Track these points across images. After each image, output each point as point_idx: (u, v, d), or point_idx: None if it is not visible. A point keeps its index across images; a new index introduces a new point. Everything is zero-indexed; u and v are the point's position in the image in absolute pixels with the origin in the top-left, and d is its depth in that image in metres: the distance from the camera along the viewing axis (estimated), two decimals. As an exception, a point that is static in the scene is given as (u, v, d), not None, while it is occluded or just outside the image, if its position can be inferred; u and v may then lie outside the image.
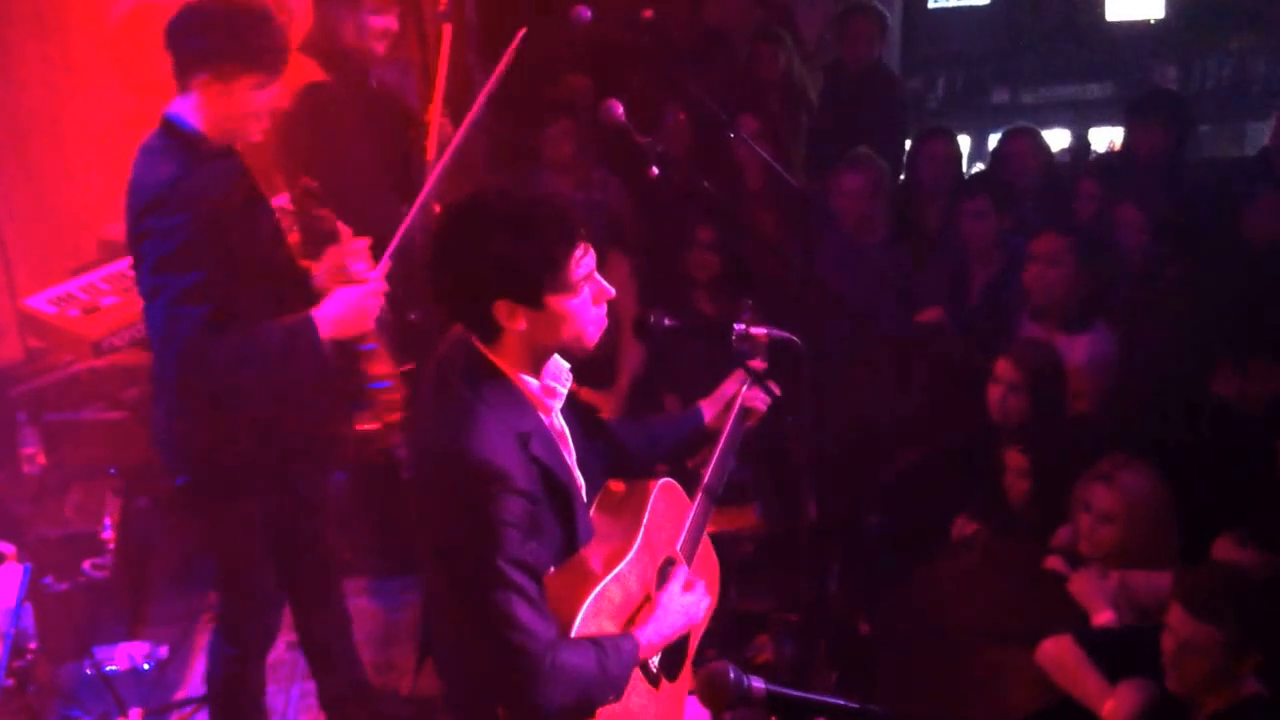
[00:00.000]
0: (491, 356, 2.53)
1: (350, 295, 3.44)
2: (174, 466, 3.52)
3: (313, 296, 3.47)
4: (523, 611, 2.39)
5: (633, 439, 2.99)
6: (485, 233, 2.43)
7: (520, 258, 2.42)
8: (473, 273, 2.45)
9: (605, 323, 2.59)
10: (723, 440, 3.01)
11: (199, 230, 3.23)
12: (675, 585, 2.69)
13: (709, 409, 3.08)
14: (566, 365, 2.63)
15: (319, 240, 3.64)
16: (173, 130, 3.36)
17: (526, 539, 2.43)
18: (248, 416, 3.42)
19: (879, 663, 4.08)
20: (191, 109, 3.35)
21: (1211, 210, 5.21)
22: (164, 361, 3.37)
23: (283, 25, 3.45)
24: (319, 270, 3.57)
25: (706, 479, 2.94)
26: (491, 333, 2.51)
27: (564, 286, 2.47)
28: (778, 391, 3.10)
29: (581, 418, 2.80)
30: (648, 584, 2.70)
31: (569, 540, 2.58)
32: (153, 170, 3.32)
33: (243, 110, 3.35)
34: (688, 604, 2.69)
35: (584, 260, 2.50)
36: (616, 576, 2.60)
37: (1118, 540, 3.62)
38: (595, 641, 2.48)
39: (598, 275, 2.54)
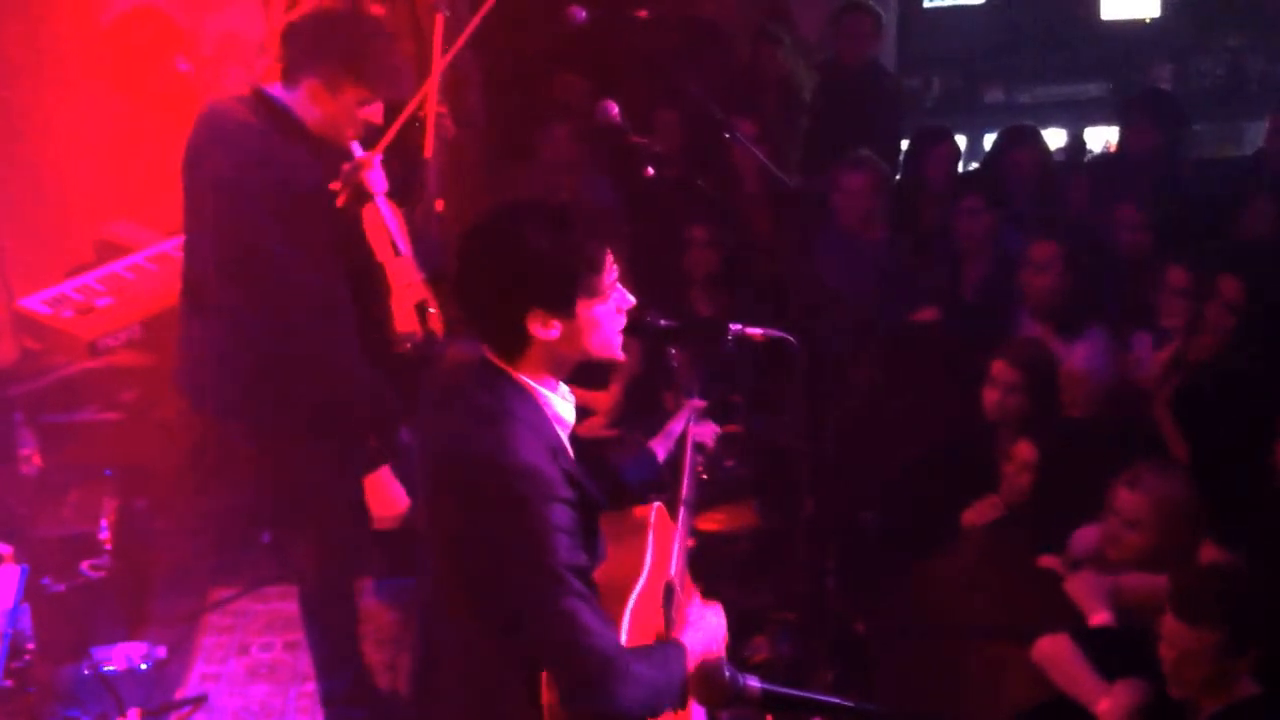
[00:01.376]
0: (513, 372, 2.44)
1: None
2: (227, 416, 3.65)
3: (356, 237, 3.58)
4: (589, 616, 2.32)
5: (630, 470, 2.98)
6: (522, 234, 2.35)
7: (561, 258, 2.35)
8: (509, 279, 2.36)
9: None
10: (686, 476, 3.03)
11: (284, 204, 3.34)
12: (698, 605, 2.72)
13: (661, 448, 3.07)
14: (566, 388, 2.57)
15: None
16: (275, 110, 3.44)
17: (576, 547, 2.37)
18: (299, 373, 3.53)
19: (876, 661, 4.08)
20: (296, 104, 3.44)
21: (1207, 209, 5.21)
22: (221, 322, 3.49)
23: (400, 47, 3.55)
24: (341, 191, 3.63)
25: (683, 507, 2.96)
26: (519, 345, 2.41)
27: (597, 291, 2.40)
28: (719, 429, 3.16)
29: (576, 445, 2.74)
30: (658, 605, 2.70)
31: (590, 558, 2.50)
32: (249, 139, 3.41)
33: (343, 118, 3.46)
34: (714, 618, 2.71)
35: (613, 265, 2.45)
36: (640, 594, 2.58)
37: (1143, 546, 3.56)
38: (648, 648, 2.47)
39: (619, 283, 2.48)
